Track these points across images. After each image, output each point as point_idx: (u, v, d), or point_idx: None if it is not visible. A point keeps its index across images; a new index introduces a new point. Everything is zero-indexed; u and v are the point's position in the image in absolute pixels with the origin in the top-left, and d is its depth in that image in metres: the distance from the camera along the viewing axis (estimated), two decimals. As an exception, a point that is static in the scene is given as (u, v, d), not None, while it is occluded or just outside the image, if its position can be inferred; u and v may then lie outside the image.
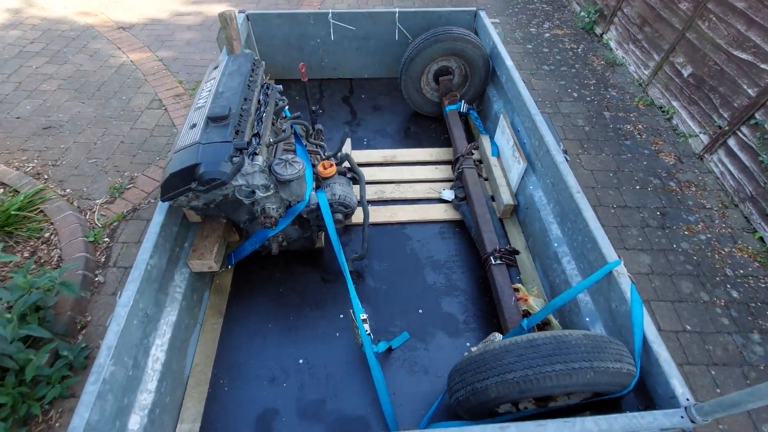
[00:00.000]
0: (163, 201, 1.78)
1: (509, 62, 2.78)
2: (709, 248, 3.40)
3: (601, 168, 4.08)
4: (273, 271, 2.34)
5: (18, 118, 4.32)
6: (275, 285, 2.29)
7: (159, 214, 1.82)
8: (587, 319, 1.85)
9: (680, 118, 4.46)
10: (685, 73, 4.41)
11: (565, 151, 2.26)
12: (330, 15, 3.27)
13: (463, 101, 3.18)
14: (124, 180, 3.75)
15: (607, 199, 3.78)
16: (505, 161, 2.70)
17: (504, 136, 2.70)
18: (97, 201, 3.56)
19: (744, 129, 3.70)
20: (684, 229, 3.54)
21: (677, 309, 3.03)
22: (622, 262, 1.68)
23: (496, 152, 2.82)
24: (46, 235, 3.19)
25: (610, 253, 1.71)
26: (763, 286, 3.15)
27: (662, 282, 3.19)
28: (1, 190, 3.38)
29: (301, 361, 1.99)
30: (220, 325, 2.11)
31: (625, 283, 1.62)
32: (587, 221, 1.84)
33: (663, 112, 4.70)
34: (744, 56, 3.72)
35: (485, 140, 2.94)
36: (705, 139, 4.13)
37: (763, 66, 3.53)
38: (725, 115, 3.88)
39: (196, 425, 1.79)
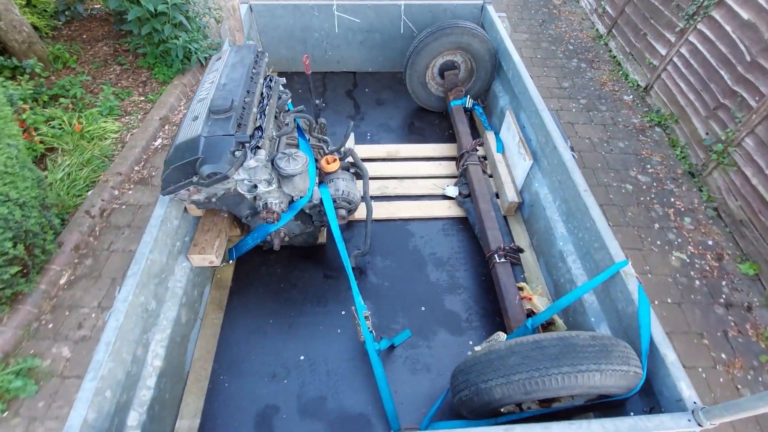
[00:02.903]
0: (164, 195, 1.75)
1: (516, 57, 2.74)
2: (564, 33, 6.31)
3: (528, 19, 6.88)
4: (274, 266, 2.32)
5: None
6: (277, 280, 2.26)
7: (159, 207, 1.79)
8: (593, 319, 1.82)
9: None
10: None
11: (571, 148, 2.22)
12: (335, 7, 3.22)
13: (468, 96, 3.13)
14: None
15: (520, 26, 6.49)
16: (511, 158, 2.67)
17: (509, 132, 2.67)
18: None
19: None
20: (553, 26, 6.48)
21: (535, 53, 5.84)
22: (630, 263, 1.66)
23: (501, 149, 2.79)
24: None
25: (617, 252, 1.68)
26: (590, 45, 6.05)
27: (533, 42, 6.06)
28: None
29: (302, 357, 1.97)
30: (221, 321, 2.10)
31: (633, 283, 1.60)
32: (594, 220, 1.81)
33: None
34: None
35: (490, 136, 2.90)
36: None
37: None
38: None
39: (196, 421, 1.77)
